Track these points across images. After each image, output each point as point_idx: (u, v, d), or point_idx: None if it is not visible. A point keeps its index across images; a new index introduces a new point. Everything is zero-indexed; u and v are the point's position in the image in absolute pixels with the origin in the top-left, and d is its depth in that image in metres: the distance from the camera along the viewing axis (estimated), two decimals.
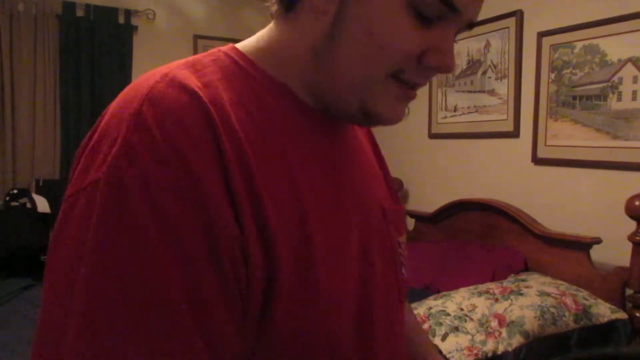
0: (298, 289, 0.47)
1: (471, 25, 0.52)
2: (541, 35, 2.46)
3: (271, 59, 0.54)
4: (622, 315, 1.91)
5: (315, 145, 0.55)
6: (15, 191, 2.88)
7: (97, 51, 3.28)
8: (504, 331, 1.75)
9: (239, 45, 0.56)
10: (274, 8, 0.55)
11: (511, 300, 1.88)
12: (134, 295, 0.39)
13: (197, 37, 3.60)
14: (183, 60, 0.52)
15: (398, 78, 0.51)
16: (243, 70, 0.53)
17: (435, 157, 3.15)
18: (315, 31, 0.52)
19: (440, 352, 1.70)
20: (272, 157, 0.49)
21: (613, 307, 1.93)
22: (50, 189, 3.06)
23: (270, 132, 0.50)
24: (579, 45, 2.30)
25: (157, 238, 0.40)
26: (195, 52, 3.55)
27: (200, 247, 0.41)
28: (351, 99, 0.53)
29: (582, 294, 1.97)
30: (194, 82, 0.47)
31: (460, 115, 2.96)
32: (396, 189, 2.83)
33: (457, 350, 1.70)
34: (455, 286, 2.15)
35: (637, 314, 1.90)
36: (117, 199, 0.40)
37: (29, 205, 2.85)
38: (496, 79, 2.72)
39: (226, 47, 0.56)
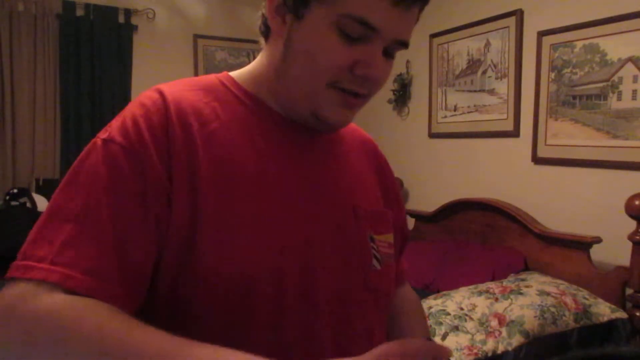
0: (220, 247, 0.59)
1: (403, 43, 0.63)
2: (541, 34, 2.46)
3: (251, 79, 0.70)
4: (622, 314, 1.91)
5: (280, 144, 0.67)
6: (15, 190, 2.88)
7: (97, 50, 3.27)
8: (504, 330, 1.75)
9: (231, 73, 0.72)
10: (263, 42, 0.70)
11: (511, 299, 1.88)
12: (72, 203, 0.58)
13: (197, 37, 3.58)
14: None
15: (337, 87, 0.63)
16: (224, 85, 0.69)
17: (435, 157, 3.15)
18: (276, 54, 0.66)
19: None
20: (224, 144, 0.63)
21: (613, 306, 1.93)
22: (50, 189, 3.06)
23: (231, 125, 0.65)
24: (579, 44, 2.30)
25: (102, 173, 0.58)
26: (195, 51, 3.54)
27: (132, 188, 0.57)
28: (303, 107, 0.65)
29: (582, 293, 1.97)
30: (168, 89, 0.65)
31: (460, 114, 2.96)
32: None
33: (457, 349, 1.70)
34: (455, 285, 2.15)
35: (637, 314, 1.90)
36: (88, 151, 0.61)
37: (29, 204, 2.85)
38: (496, 78, 2.72)
39: (220, 74, 0.72)
